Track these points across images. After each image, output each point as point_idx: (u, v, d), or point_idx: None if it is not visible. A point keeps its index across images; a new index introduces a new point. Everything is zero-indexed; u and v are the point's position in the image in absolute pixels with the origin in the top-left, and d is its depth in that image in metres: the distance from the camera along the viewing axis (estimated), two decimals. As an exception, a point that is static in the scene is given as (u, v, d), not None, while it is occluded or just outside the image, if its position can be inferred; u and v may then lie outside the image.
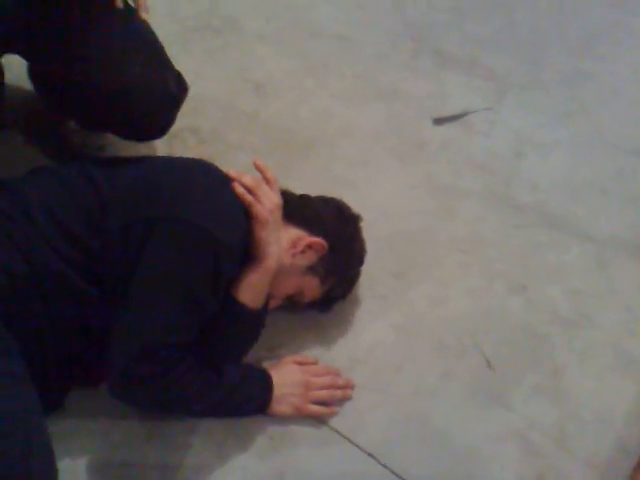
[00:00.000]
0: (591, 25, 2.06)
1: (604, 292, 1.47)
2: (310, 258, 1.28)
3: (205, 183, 1.22)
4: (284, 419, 1.26)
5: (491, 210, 1.62)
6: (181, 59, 1.51)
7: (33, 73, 1.50)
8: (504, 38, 2.01)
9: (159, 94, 1.34)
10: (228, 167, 1.27)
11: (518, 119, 1.82)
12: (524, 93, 1.88)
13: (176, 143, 1.66)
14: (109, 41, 1.29)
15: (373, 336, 1.40)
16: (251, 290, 1.21)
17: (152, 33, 1.38)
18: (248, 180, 1.24)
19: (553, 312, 1.44)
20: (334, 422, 1.28)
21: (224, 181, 1.24)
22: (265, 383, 1.25)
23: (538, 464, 1.23)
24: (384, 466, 1.23)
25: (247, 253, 1.22)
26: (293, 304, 1.36)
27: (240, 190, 1.22)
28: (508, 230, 1.59)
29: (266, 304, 1.26)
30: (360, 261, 1.38)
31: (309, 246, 1.27)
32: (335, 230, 1.32)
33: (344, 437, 1.26)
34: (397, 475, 1.22)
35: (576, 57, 1.97)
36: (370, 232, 1.40)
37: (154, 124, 1.40)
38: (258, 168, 1.31)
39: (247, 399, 1.23)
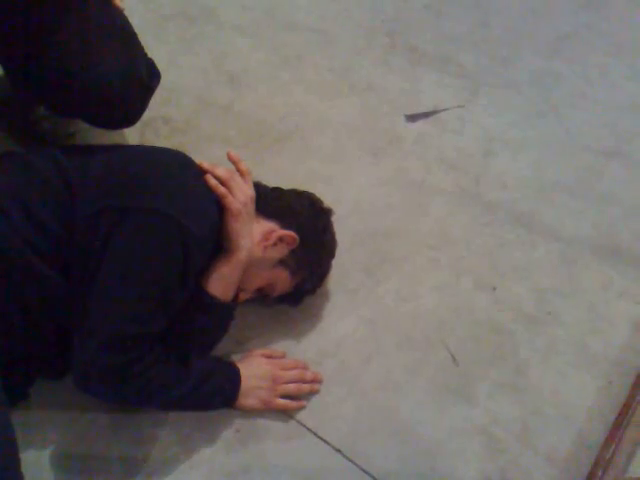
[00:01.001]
0: (562, 26, 2.08)
1: (569, 290, 1.50)
2: (281, 251, 1.29)
3: (177, 174, 1.21)
4: (251, 412, 1.26)
5: (461, 207, 1.64)
6: (155, 47, 1.49)
7: (2, 57, 1.47)
8: (478, 37, 2.03)
9: (130, 82, 1.32)
10: (201, 158, 1.26)
11: (489, 117, 1.83)
12: (496, 92, 1.89)
13: (148, 132, 1.64)
14: (82, 27, 1.27)
15: (342, 330, 1.41)
16: (222, 282, 1.21)
17: (126, 21, 1.36)
18: (221, 172, 1.24)
19: (518, 309, 1.46)
20: (301, 416, 1.29)
21: (196, 172, 1.23)
22: (233, 376, 1.25)
23: (501, 459, 1.26)
24: (350, 460, 1.24)
25: (218, 245, 1.22)
26: (263, 297, 1.36)
27: (213, 182, 1.22)
28: (477, 227, 1.60)
29: (236, 297, 1.26)
30: (331, 255, 1.39)
31: (281, 239, 1.28)
32: (307, 223, 1.32)
33: (311, 431, 1.27)
34: (363, 469, 1.23)
35: (547, 58, 1.99)
36: (342, 227, 1.41)
37: (124, 112, 1.38)
38: (231, 160, 1.30)
39: (214, 392, 1.23)
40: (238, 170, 1.29)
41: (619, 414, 1.28)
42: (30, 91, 1.46)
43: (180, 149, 1.29)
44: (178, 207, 1.13)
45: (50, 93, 1.34)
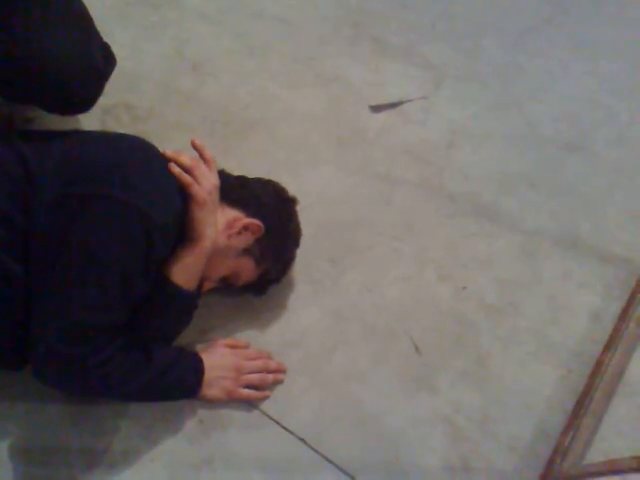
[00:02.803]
0: (525, 20, 2.11)
1: (530, 281, 1.52)
2: (246, 240, 1.28)
3: (139, 161, 1.18)
4: (214, 403, 1.26)
5: (424, 199, 1.65)
6: (117, 33, 1.47)
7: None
8: (441, 28, 2.04)
9: (82, 65, 1.29)
10: (164, 146, 1.24)
11: (453, 109, 1.85)
12: (459, 84, 1.91)
13: (109, 119, 1.61)
14: (30, 10, 1.24)
15: (306, 320, 1.41)
16: (185, 271, 1.19)
17: (81, 5, 1.33)
18: (186, 160, 1.22)
19: (480, 300, 1.48)
20: (265, 406, 1.28)
21: (159, 159, 1.21)
22: (196, 366, 1.24)
23: (463, 448, 1.27)
24: (314, 450, 1.24)
25: (182, 234, 1.20)
26: (227, 286, 1.35)
27: (177, 170, 1.20)
28: (440, 219, 1.62)
29: (200, 286, 1.25)
30: (296, 244, 1.38)
31: (245, 227, 1.27)
32: (272, 212, 1.31)
33: (275, 421, 1.27)
34: (327, 459, 1.24)
35: (510, 51, 2.01)
36: (306, 217, 1.40)
37: (79, 97, 1.35)
38: (196, 147, 1.29)
39: (177, 383, 1.21)
40: (202, 158, 1.27)
41: (577, 403, 1.30)
42: None
43: (143, 137, 1.27)
44: (141, 195, 1.11)
45: (4, 78, 1.31)
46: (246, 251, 1.29)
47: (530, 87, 1.92)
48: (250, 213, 1.29)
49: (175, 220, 1.18)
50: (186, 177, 1.20)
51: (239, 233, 1.26)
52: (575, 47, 2.05)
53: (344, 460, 1.23)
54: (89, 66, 1.31)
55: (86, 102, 1.37)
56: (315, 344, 1.38)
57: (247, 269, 1.31)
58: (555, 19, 2.13)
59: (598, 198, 1.68)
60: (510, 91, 1.91)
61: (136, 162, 1.18)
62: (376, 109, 1.81)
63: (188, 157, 1.23)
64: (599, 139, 1.82)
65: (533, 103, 1.88)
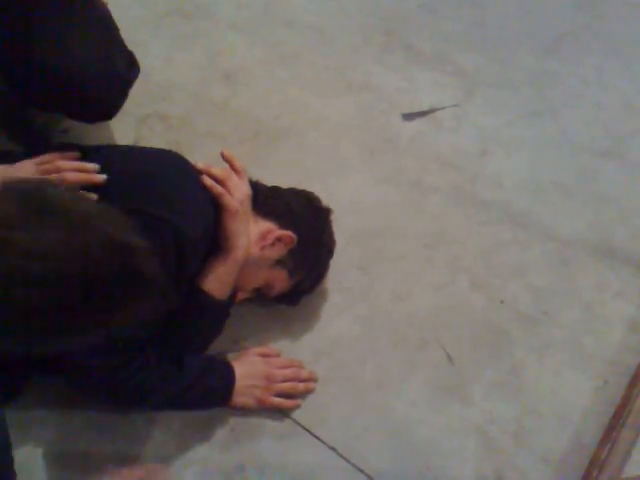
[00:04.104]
0: (559, 27, 2.08)
1: (564, 290, 1.50)
2: (279, 251, 1.28)
3: (172, 175, 1.20)
4: (246, 411, 1.26)
5: (456, 206, 1.63)
6: (150, 44, 1.49)
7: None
8: (474, 36, 2.02)
9: (102, 72, 1.30)
10: (196, 155, 1.27)
11: (485, 117, 1.83)
12: (491, 91, 1.89)
13: (144, 129, 1.63)
14: (51, 18, 1.26)
15: (337, 329, 1.41)
16: (218, 281, 1.20)
17: (104, 12, 1.35)
18: (217, 171, 1.23)
19: (514, 309, 1.46)
20: (296, 415, 1.29)
21: (191, 172, 1.22)
22: (227, 375, 1.24)
23: (496, 459, 1.26)
24: (345, 459, 1.24)
25: (215, 244, 1.21)
26: (261, 297, 1.36)
27: (209, 182, 1.21)
28: (472, 227, 1.60)
29: (234, 296, 1.25)
30: (330, 254, 1.38)
31: (278, 239, 1.27)
32: (305, 223, 1.31)
33: (306, 430, 1.27)
34: (358, 468, 1.23)
35: (544, 58, 1.99)
36: (337, 226, 1.40)
37: (99, 103, 1.36)
38: (225, 158, 1.30)
39: (209, 391, 1.22)
40: (233, 168, 1.28)
41: (614, 414, 1.28)
42: (12, 86, 1.45)
43: (176, 146, 1.29)
44: (173, 210, 1.12)
45: (31, 87, 1.33)
46: (279, 262, 1.29)
47: (564, 94, 1.90)
48: (283, 224, 1.29)
49: (207, 232, 1.18)
50: (218, 188, 1.21)
51: (272, 244, 1.27)
52: (610, 52, 2.02)
53: (374, 469, 1.23)
54: (110, 72, 1.32)
55: (109, 109, 1.38)
56: (346, 353, 1.37)
57: (280, 280, 1.31)
58: (589, 24, 2.09)
59: (634, 206, 1.65)
60: (543, 98, 1.88)
61: (168, 176, 1.19)
62: (408, 117, 1.80)
63: (219, 169, 1.24)
64: (634, 146, 1.78)
65: (567, 110, 1.86)
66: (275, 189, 1.36)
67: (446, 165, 1.71)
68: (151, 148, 1.35)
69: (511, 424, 1.30)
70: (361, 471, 1.23)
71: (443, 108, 1.83)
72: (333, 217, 1.38)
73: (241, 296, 1.30)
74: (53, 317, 0.76)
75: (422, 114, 1.81)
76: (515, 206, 1.64)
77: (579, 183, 1.70)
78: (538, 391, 1.35)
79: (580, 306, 1.47)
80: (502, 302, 1.47)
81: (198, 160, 1.25)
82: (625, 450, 1.23)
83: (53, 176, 1.16)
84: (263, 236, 1.26)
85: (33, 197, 0.77)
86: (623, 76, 1.96)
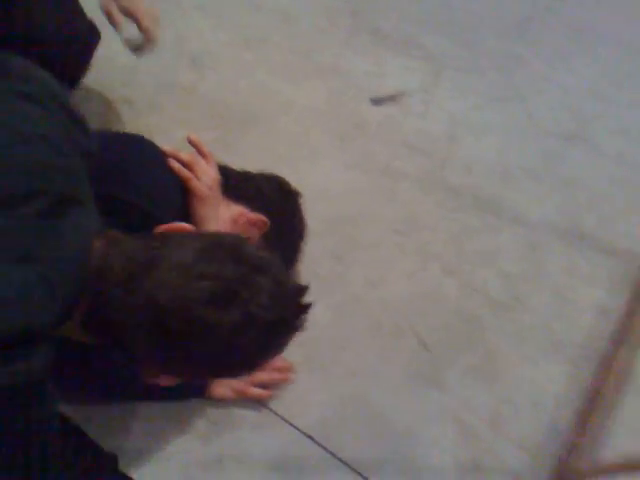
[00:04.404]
0: (524, 9, 2.09)
1: (535, 275, 1.52)
2: (252, 235, 1.26)
3: (139, 159, 1.18)
4: (224, 402, 1.25)
5: (427, 192, 1.64)
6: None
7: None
8: (440, 19, 2.02)
9: (63, 34, 1.28)
10: (166, 140, 1.24)
11: (453, 101, 1.83)
12: (459, 75, 1.89)
13: (110, 114, 1.59)
14: None
15: (311, 317, 1.39)
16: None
17: None
18: (185, 156, 1.22)
19: (485, 295, 1.48)
20: (273, 404, 1.28)
21: (159, 157, 1.20)
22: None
23: (474, 447, 1.27)
24: (323, 447, 1.24)
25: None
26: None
27: (177, 165, 1.19)
28: (443, 213, 1.61)
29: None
30: (301, 237, 1.37)
31: (252, 223, 1.25)
32: (276, 207, 1.30)
33: (283, 419, 1.26)
34: (335, 456, 1.23)
35: (510, 41, 1.99)
36: (309, 212, 1.39)
37: (62, 66, 1.33)
38: (192, 143, 1.27)
39: (187, 382, 1.20)
40: (200, 153, 1.26)
41: (587, 400, 1.31)
42: None
43: (143, 131, 1.25)
44: (141, 193, 1.10)
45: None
46: (252, 247, 1.27)
47: (530, 78, 1.91)
48: (254, 208, 1.27)
49: (176, 217, 1.16)
50: (185, 172, 1.19)
51: (244, 229, 1.25)
52: (574, 35, 2.04)
53: (352, 457, 1.24)
54: (70, 33, 1.30)
55: (72, 71, 1.35)
56: (321, 341, 1.37)
57: (253, 264, 1.29)
58: (554, 7, 2.11)
59: (601, 190, 1.68)
60: (510, 82, 1.89)
61: (136, 161, 1.16)
62: (376, 102, 1.79)
63: (187, 153, 1.23)
64: (599, 129, 1.81)
65: (533, 94, 1.87)
66: (245, 173, 1.35)
67: (415, 150, 1.71)
68: (117, 132, 1.32)
69: (487, 411, 1.31)
70: (339, 459, 1.23)
71: (411, 92, 1.83)
72: (304, 203, 1.37)
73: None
74: (255, 358, 0.92)
75: (390, 98, 1.80)
76: (484, 191, 1.65)
77: (547, 167, 1.71)
78: (512, 378, 1.36)
79: (550, 291, 1.49)
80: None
81: (166, 145, 1.23)
82: (598, 434, 1.26)
83: None
84: (235, 220, 1.25)
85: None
86: (587, 59, 1.98)
